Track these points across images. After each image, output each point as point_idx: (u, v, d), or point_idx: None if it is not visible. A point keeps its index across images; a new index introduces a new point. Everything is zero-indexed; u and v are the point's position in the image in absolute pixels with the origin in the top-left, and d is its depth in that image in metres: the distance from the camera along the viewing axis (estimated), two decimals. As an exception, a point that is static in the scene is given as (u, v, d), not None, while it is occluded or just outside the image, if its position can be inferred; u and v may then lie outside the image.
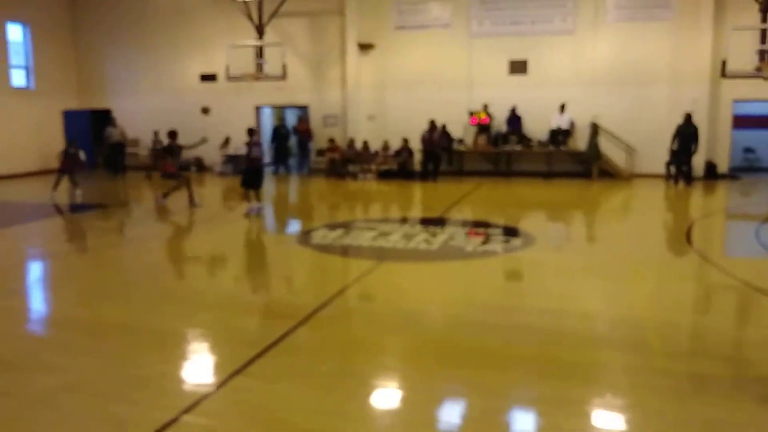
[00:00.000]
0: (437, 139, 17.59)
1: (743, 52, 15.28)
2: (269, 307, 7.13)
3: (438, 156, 17.69)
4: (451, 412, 4.38)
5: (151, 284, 7.95)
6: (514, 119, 18.15)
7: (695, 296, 7.51)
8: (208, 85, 20.79)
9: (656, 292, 7.22)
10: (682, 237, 10.54)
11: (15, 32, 20.14)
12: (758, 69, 15.28)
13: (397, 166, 18.06)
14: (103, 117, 21.11)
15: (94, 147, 20.43)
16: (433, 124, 17.56)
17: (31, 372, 5.08)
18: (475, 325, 6.11)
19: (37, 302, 7.49)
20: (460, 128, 18.51)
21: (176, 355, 5.45)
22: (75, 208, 14.48)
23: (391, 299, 7.07)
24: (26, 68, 20.53)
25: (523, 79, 18.42)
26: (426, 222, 11.61)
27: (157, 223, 12.41)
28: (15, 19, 19.94)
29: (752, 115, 18.52)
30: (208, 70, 20.71)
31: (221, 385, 4.71)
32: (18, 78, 20.27)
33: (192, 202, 13.29)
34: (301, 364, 5.15)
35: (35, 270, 9.04)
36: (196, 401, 4.44)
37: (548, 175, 17.78)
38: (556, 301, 6.85)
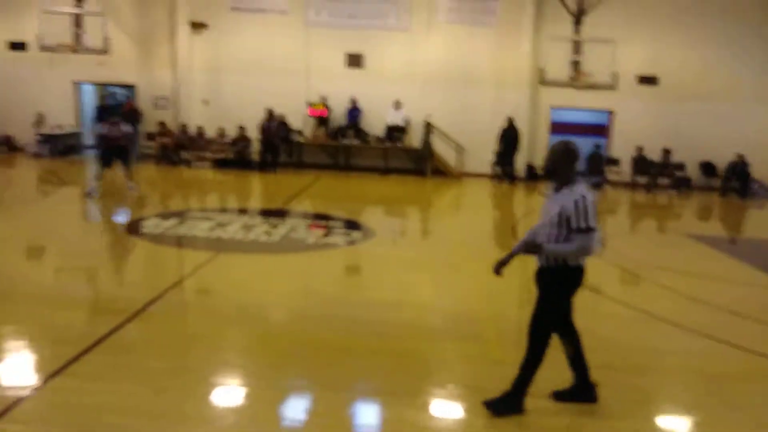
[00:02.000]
0: (276, 129, 17.26)
1: (561, 62, 16.66)
2: (95, 302, 6.50)
3: (277, 146, 17.37)
4: (295, 407, 4.24)
5: None
6: (353, 113, 18.30)
7: (522, 289, 8.01)
8: (17, 54, 18.63)
9: (487, 284, 7.57)
10: (509, 232, 11.25)
11: None
12: (572, 78, 16.75)
13: (234, 155, 17.44)
14: None
15: None
16: (271, 114, 17.20)
17: None
18: (317, 318, 6.01)
19: None
20: (299, 119, 18.27)
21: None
22: None
23: (229, 292, 6.76)
24: None
25: (360, 73, 18.57)
26: (266, 213, 11.31)
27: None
28: None
29: (567, 122, 20.26)
30: (16, 38, 18.55)
31: (39, 387, 4.19)
32: None
33: None
34: (131, 362, 4.75)
35: None
36: (9, 405, 3.91)
37: (385, 171, 18.14)
38: (395, 293, 6.96)
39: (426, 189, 16.59)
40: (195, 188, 14.70)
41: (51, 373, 4.40)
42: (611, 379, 4.64)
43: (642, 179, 17.64)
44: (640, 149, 17.73)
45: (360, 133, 18.25)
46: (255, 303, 6.35)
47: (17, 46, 18.62)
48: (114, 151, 12.27)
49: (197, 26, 18.29)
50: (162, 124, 17.90)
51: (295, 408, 4.24)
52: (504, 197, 15.92)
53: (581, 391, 4.38)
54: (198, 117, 18.43)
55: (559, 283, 4.08)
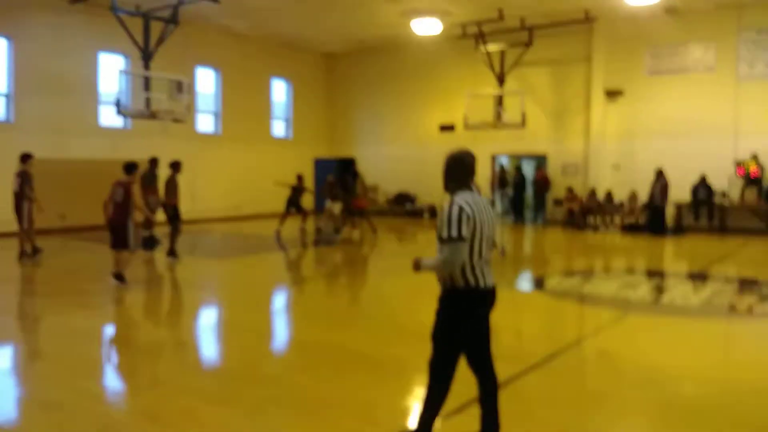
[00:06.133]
0: (660, 193, 15.66)
1: None
2: (497, 350, 6.42)
3: (657, 209, 15.74)
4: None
5: (385, 316, 7.71)
6: (794, 172, 15.48)
7: None
8: (446, 135, 21.05)
9: None
10: None
11: (278, 87, 22.42)
12: None
13: (646, 220, 16.23)
14: (347, 165, 22.38)
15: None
16: (659, 173, 15.77)
17: (250, 383, 5.05)
18: (737, 400, 4.74)
19: (274, 321, 7.68)
20: (723, 180, 16.25)
21: (390, 380, 5.00)
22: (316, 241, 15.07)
23: (637, 354, 5.92)
24: (285, 120, 22.68)
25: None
26: (682, 276, 10.05)
27: (381, 260, 12.47)
28: (279, 76, 22.21)
29: None
30: (447, 120, 21.01)
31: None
32: (278, 128, 22.44)
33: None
34: (528, 411, 4.40)
35: (278, 292, 9.42)
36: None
37: (839, 238, 14.71)
38: None
39: None
40: (601, 251, 14.06)
41: (452, 411, 4.32)
42: None
43: None
44: None
45: (804, 194, 15.26)
46: (667, 369, 5.39)
47: (446, 128, 21.05)
48: None
49: (612, 94, 18.07)
50: (570, 189, 17.89)
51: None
52: None
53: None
54: (607, 182, 17.93)
55: (447, 308, 3.53)
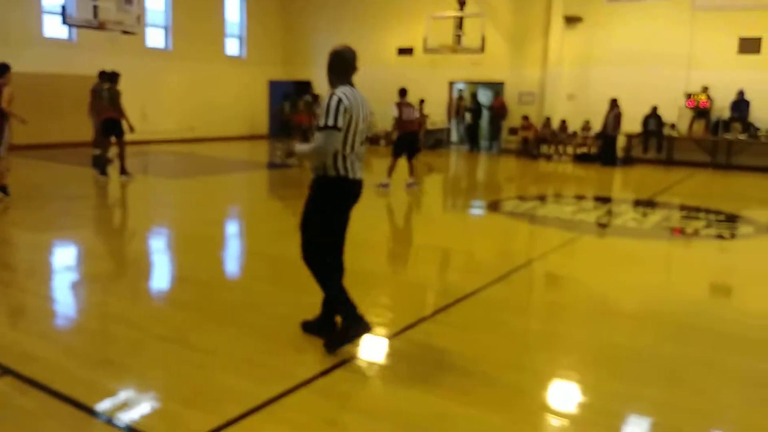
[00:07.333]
0: (613, 121, 15.97)
1: None
2: (462, 264, 6.60)
3: (609, 139, 16.14)
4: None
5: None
6: (740, 104, 15.90)
7: None
8: (404, 58, 20.75)
9: None
10: None
11: (232, 2, 21.49)
12: None
13: (598, 150, 16.55)
14: (303, 88, 21.92)
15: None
16: (612, 103, 16.07)
17: (220, 290, 5.08)
18: (675, 321, 5.01)
19: (236, 236, 7.67)
20: (673, 112, 16.63)
21: (365, 292, 5.10)
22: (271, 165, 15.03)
23: (593, 269, 6.20)
24: (239, 38, 21.87)
25: (755, 60, 16.05)
26: (632, 203, 10.40)
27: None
28: (233, -10, 21.27)
29: None
30: (405, 44, 20.64)
31: (406, 328, 4.25)
32: (232, 47, 21.65)
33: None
34: (495, 318, 4.60)
35: (236, 210, 9.37)
36: (380, 340, 4.04)
37: (778, 171, 15.38)
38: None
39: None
40: (554, 180, 14.33)
41: (418, 319, 4.48)
42: None
43: None
44: None
45: (749, 127, 15.78)
46: (616, 284, 5.67)
47: (405, 51, 20.72)
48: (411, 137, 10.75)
49: (572, 20, 18.00)
50: (525, 117, 18.03)
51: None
52: None
53: (324, 326, 3.98)
54: (562, 111, 18.13)
55: (320, 194, 3.74)
